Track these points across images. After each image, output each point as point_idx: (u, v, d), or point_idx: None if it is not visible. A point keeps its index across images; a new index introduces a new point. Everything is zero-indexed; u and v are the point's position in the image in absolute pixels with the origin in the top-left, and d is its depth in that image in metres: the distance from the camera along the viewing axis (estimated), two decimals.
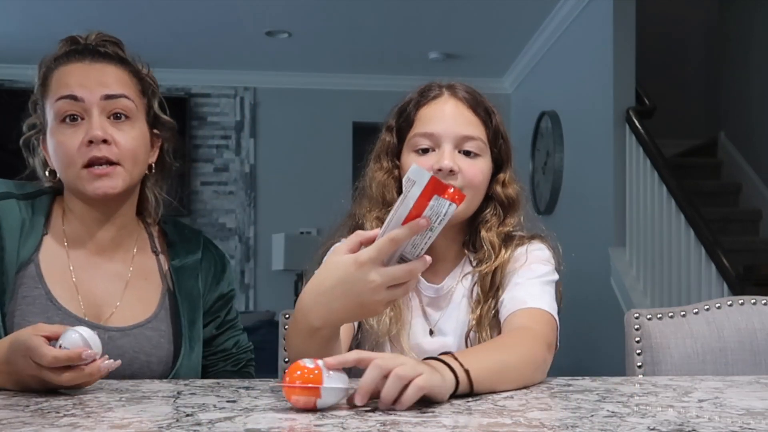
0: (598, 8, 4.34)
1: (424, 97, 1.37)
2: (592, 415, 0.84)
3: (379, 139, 1.40)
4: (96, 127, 1.23)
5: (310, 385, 0.83)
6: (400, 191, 1.34)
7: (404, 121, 1.37)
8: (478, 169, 1.32)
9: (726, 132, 5.15)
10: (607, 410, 0.87)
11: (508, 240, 1.35)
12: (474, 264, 1.35)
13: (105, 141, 1.23)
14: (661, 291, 3.80)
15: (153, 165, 1.36)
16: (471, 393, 0.96)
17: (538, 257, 1.33)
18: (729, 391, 1.05)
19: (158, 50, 5.52)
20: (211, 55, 5.70)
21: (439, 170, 1.28)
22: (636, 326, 1.49)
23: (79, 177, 1.25)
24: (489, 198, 1.37)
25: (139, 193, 1.38)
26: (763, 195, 4.71)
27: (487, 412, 0.87)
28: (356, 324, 1.32)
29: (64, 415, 0.83)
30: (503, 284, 1.31)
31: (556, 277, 1.33)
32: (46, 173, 1.32)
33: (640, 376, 1.44)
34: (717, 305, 1.53)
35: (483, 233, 1.34)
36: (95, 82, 1.25)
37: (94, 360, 0.98)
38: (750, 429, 0.77)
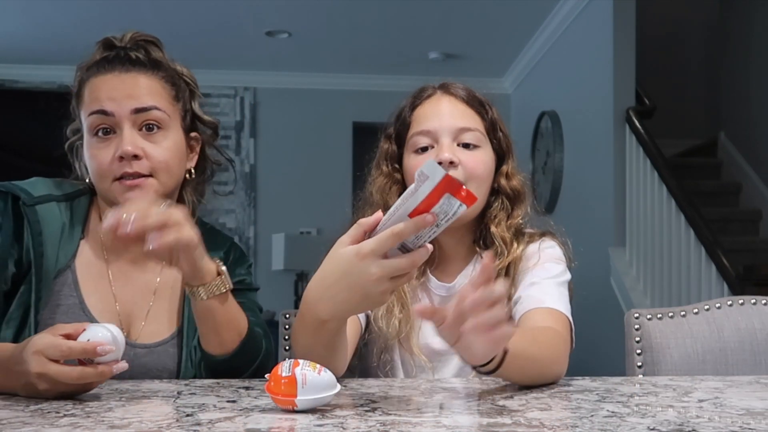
0: (598, 8, 4.34)
1: (417, 98, 1.38)
2: (592, 415, 0.84)
3: (378, 147, 1.41)
4: (126, 143, 1.21)
5: (281, 397, 0.83)
6: (400, 196, 1.34)
7: (401, 125, 1.38)
8: (479, 159, 1.32)
9: (726, 132, 5.15)
10: (607, 410, 0.87)
11: (518, 235, 1.35)
12: None
13: (136, 156, 1.21)
14: (661, 291, 3.80)
15: (193, 170, 1.33)
16: (491, 372, 0.97)
17: (550, 256, 1.33)
18: (729, 391, 1.05)
19: None
20: (211, 55, 5.70)
21: (440, 163, 1.28)
22: (636, 326, 1.49)
23: (111, 189, 1.23)
24: (495, 192, 1.37)
25: (177, 198, 1.34)
26: (763, 195, 4.71)
27: (487, 412, 0.87)
28: (364, 323, 1.33)
29: (64, 415, 0.83)
30: (516, 282, 1.31)
31: (568, 276, 1.33)
32: (88, 180, 1.30)
33: (640, 376, 1.44)
34: (717, 305, 1.53)
35: (493, 229, 1.34)
36: (125, 95, 1.22)
37: (117, 361, 0.95)
38: (750, 429, 0.77)
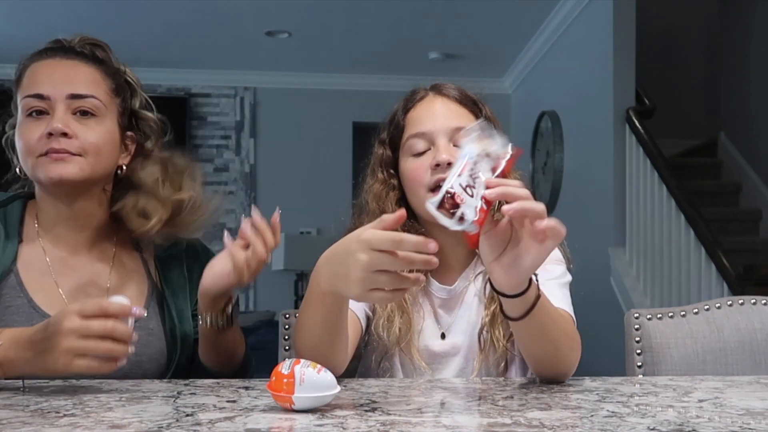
0: (598, 8, 4.34)
1: (410, 101, 1.38)
2: (592, 415, 0.84)
3: (372, 153, 1.40)
4: (57, 120, 1.22)
5: (280, 394, 0.84)
6: (398, 202, 1.34)
7: (395, 129, 1.37)
8: None
9: (726, 132, 5.15)
10: (607, 410, 0.87)
11: None
12: None
13: (65, 134, 1.22)
14: (661, 291, 3.80)
15: (124, 167, 1.33)
16: (530, 310, 1.04)
17: (551, 257, 1.32)
18: (729, 391, 1.05)
19: (158, 50, 5.52)
20: (211, 55, 5.70)
21: (437, 165, 1.27)
22: (636, 326, 1.49)
23: (36, 164, 1.23)
24: None
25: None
26: (763, 195, 4.71)
27: (487, 412, 0.87)
28: (364, 325, 1.32)
29: (64, 415, 0.83)
30: None
31: (569, 278, 1.33)
32: (21, 172, 1.31)
33: (640, 376, 1.44)
34: (717, 305, 1.53)
35: None
36: (63, 80, 1.24)
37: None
38: (750, 429, 0.77)
